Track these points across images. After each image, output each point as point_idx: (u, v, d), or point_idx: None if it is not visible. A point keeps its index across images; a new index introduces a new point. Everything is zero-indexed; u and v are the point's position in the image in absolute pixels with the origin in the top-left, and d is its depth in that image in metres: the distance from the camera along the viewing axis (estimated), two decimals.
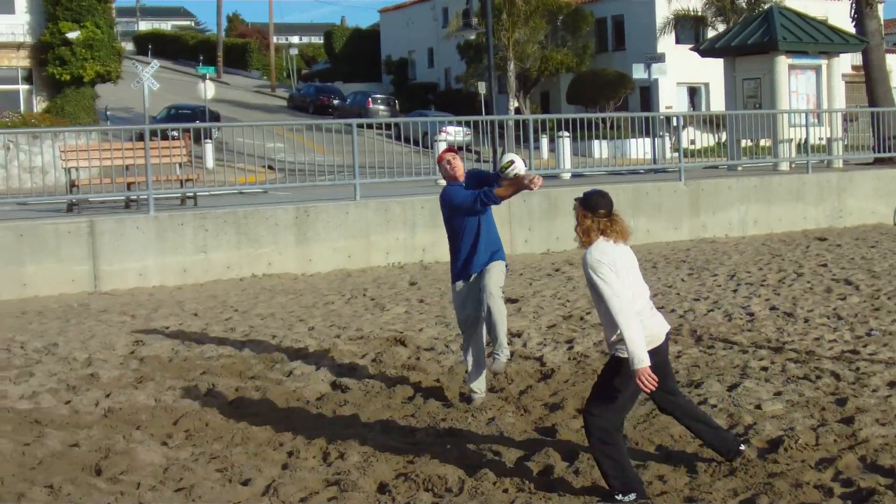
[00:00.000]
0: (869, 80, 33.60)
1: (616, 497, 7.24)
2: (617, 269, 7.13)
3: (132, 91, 49.75)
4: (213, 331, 13.87)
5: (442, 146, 26.31)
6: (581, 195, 7.45)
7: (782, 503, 7.13)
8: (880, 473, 7.63)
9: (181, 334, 13.65)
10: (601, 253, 7.18)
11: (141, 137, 20.20)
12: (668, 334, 7.49)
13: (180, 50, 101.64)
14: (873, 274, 17.39)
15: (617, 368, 7.30)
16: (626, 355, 7.13)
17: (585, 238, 7.31)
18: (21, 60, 45.90)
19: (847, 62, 53.59)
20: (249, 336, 13.49)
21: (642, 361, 7.04)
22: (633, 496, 7.22)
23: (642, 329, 7.12)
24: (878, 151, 28.85)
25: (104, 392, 10.69)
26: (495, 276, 10.20)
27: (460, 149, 34.78)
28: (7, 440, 8.81)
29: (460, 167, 10.32)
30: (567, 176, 27.05)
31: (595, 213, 7.27)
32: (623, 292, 7.09)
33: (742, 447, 7.94)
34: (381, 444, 8.80)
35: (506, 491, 7.65)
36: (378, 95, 69.96)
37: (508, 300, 15.67)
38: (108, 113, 52.95)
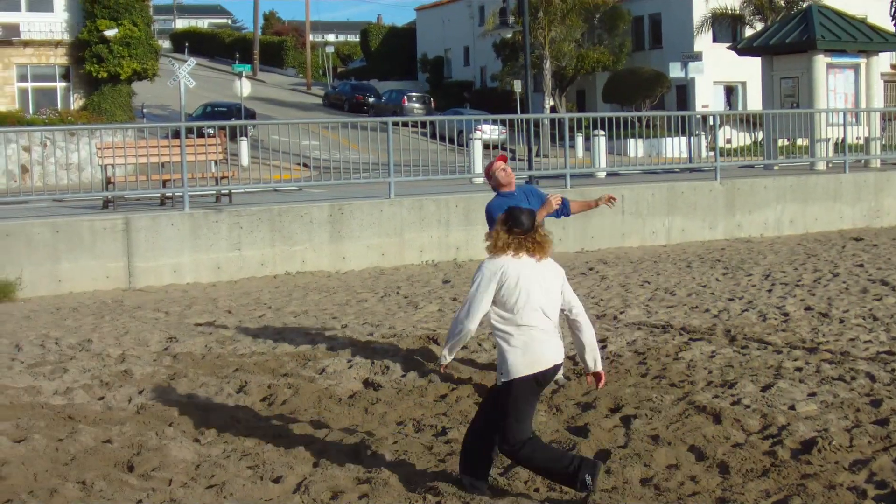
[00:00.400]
0: None
1: (583, 486, 7.29)
2: (503, 283, 7.30)
3: (168, 89, 50.03)
4: (247, 328, 13.91)
5: (477, 144, 26.31)
6: (509, 207, 7.66)
7: None
8: None
9: (214, 331, 13.69)
10: (489, 266, 7.41)
11: (177, 135, 20.28)
12: (556, 367, 7.43)
13: (217, 48, 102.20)
14: None
15: (502, 393, 7.40)
16: (500, 381, 7.38)
17: (492, 247, 7.46)
18: (59, 58, 46.26)
19: (886, 61, 53.20)
20: (282, 333, 13.51)
21: (444, 359, 7.77)
22: (587, 477, 7.26)
23: (459, 345, 7.62)
24: None
25: (137, 388, 10.74)
26: None
27: (496, 147, 34.80)
28: (41, 435, 8.86)
29: (513, 175, 10.66)
30: (602, 175, 26.98)
31: (511, 230, 7.40)
32: (480, 306, 7.36)
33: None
34: (413, 443, 8.81)
35: (537, 490, 7.64)
36: (413, 93, 70.02)
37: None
38: (144, 110, 53.27)
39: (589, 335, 7.61)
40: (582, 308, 7.63)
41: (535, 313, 7.31)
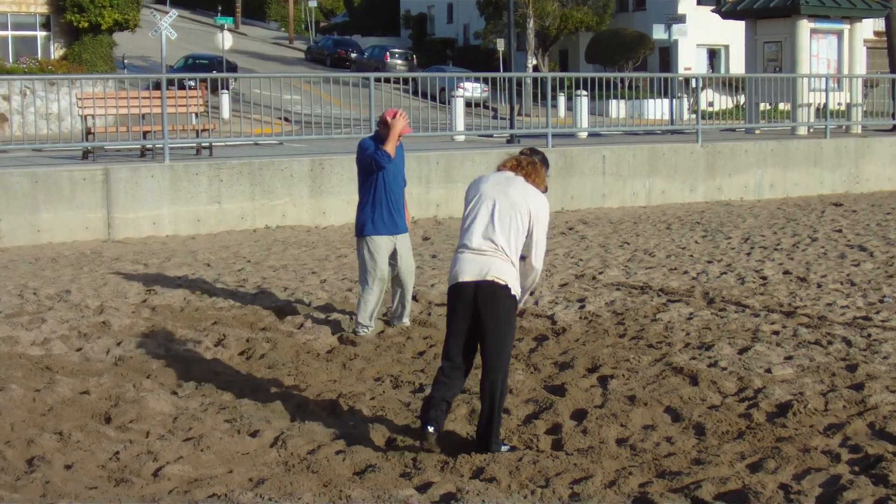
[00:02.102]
0: (891, 46, 33.34)
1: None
2: (470, 195, 7.73)
3: (150, 40, 49.70)
4: (226, 281, 13.89)
5: (459, 102, 26.26)
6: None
7: (789, 468, 7.12)
8: (888, 440, 7.62)
9: (193, 284, 13.67)
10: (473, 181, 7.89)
11: (158, 86, 20.17)
12: (466, 283, 7.75)
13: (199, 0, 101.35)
14: (888, 241, 17.33)
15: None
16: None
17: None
18: (39, 7, 45.79)
19: (869, 27, 53.17)
20: (261, 287, 13.50)
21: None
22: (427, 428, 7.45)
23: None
24: None
25: (115, 340, 10.72)
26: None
27: (478, 105, 34.73)
28: (18, 386, 8.84)
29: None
30: (584, 135, 26.98)
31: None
32: (466, 215, 7.72)
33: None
34: (391, 399, 8.82)
35: (514, 448, 7.66)
36: (396, 50, 69.68)
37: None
38: (125, 61, 52.88)
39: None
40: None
41: (476, 229, 7.81)
